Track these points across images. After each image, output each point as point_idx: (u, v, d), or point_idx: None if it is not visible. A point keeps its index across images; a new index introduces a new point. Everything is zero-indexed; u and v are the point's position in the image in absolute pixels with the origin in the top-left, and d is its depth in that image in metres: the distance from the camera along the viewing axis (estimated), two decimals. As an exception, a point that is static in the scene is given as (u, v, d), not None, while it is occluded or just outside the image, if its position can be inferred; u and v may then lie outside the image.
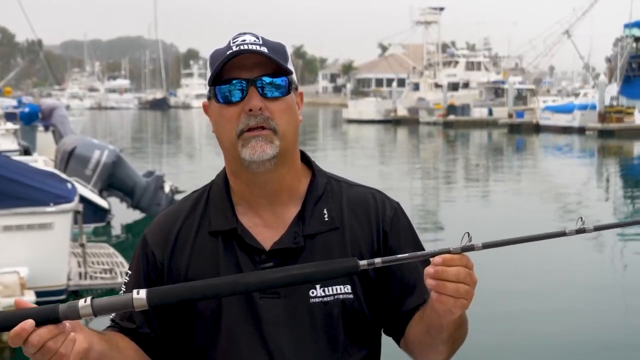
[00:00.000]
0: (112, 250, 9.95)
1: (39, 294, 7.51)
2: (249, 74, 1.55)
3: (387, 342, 1.71)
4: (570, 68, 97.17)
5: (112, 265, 9.06)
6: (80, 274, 8.80)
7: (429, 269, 1.35)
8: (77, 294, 8.74)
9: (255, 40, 1.57)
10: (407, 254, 1.39)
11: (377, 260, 1.37)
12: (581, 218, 1.36)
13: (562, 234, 1.36)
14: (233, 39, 1.59)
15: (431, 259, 1.37)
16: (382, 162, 28.63)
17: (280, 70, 1.58)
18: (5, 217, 7.95)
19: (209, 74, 1.60)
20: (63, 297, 8.23)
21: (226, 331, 1.59)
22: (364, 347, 1.64)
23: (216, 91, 1.58)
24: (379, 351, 1.70)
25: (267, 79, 1.56)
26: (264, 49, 1.56)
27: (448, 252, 1.35)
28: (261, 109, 1.55)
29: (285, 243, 1.60)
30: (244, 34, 1.61)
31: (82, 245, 8.91)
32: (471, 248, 1.34)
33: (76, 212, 8.54)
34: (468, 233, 1.35)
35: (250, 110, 1.54)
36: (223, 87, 1.57)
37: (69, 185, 8.76)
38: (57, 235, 8.14)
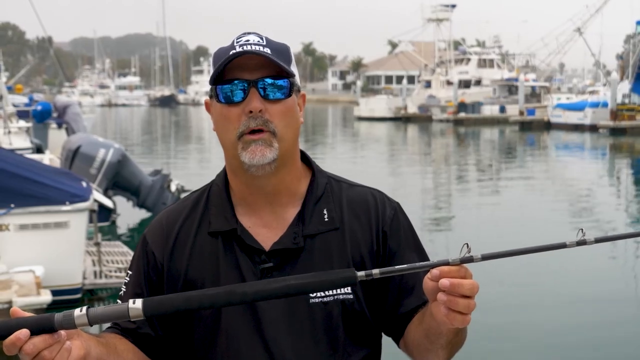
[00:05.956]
0: (126, 248, 9.96)
1: (54, 292, 7.52)
2: (251, 75, 1.56)
3: (387, 343, 1.71)
4: (580, 65, 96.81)
5: (126, 264, 9.07)
6: (95, 273, 8.81)
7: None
8: (92, 292, 8.77)
9: (259, 41, 1.58)
10: (405, 265, 1.38)
11: (375, 271, 1.36)
12: (582, 229, 1.35)
13: (563, 245, 1.35)
14: (237, 39, 1.59)
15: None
16: (391, 161, 28.55)
17: (283, 72, 1.58)
18: (21, 216, 7.96)
19: (212, 71, 1.60)
20: (79, 295, 8.26)
21: (226, 331, 1.59)
22: (364, 347, 1.64)
23: (218, 90, 1.58)
24: (380, 351, 1.70)
25: (268, 81, 1.56)
26: (267, 50, 1.56)
27: (447, 263, 1.34)
28: (261, 111, 1.55)
29: (285, 243, 1.61)
30: (249, 33, 1.61)
31: (97, 244, 8.91)
32: (470, 260, 1.32)
33: (91, 211, 8.55)
34: (467, 244, 1.33)
35: (251, 112, 1.55)
36: (225, 86, 1.57)
37: (84, 184, 8.76)
38: (73, 234, 8.14)
